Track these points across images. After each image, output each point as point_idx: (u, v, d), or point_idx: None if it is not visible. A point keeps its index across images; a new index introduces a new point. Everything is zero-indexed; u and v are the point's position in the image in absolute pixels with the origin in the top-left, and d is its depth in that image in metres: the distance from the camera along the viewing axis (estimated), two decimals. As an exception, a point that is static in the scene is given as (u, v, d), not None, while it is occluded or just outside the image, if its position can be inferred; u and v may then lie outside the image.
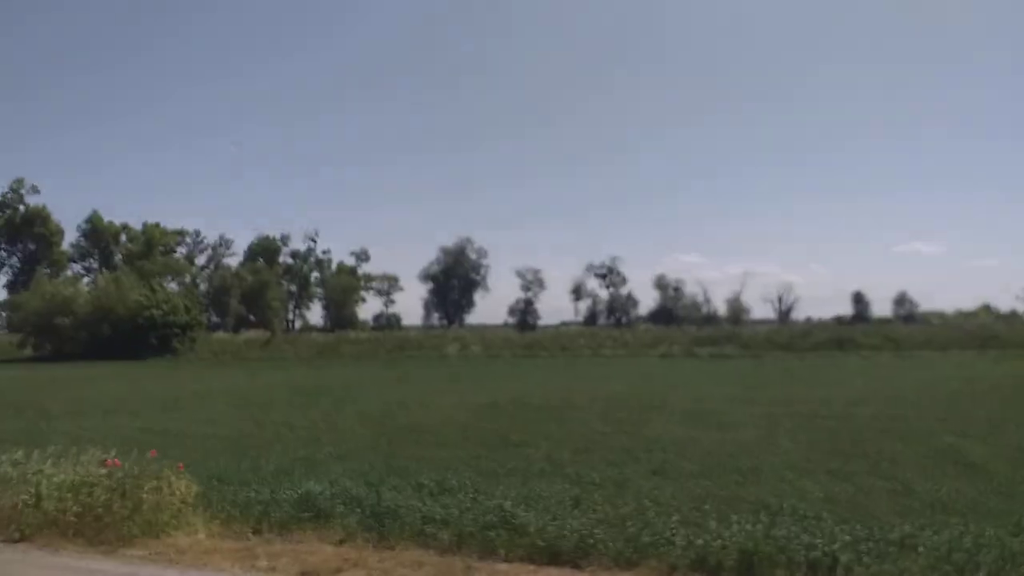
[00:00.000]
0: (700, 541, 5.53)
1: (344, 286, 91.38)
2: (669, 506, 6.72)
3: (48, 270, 73.51)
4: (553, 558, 5.62)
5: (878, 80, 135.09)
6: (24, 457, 7.49)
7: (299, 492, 7.24)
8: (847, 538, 5.48)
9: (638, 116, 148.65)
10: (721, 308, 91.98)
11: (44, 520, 6.55)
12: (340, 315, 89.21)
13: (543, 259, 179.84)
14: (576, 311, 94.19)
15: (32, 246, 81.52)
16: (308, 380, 26.43)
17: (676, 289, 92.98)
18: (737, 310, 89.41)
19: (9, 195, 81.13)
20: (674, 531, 5.81)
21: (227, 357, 45.85)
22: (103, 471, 6.92)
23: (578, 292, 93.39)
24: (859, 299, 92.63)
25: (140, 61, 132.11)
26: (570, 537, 5.76)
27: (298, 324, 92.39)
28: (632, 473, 8.48)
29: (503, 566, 5.53)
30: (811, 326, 57.73)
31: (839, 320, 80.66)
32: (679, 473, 8.52)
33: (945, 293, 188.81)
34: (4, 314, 68.45)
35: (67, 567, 5.78)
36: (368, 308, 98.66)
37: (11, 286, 76.65)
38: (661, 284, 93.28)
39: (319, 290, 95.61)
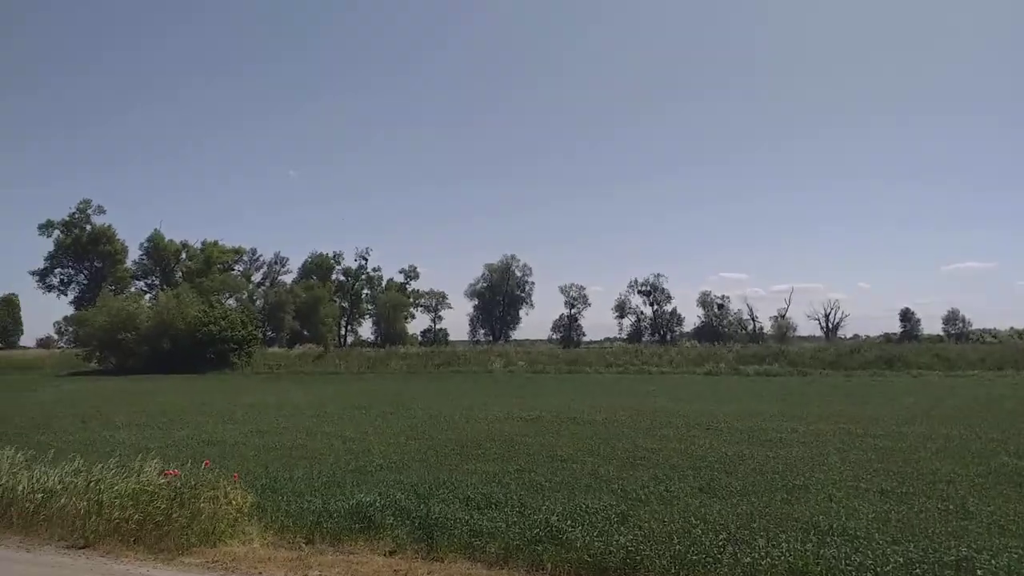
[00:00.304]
0: (748, 559, 5.49)
1: (393, 302, 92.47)
2: (716, 523, 6.67)
3: (113, 287, 76.09)
4: (600, 573, 5.65)
5: (926, 101, 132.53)
6: (88, 466, 7.81)
7: (350, 503, 7.40)
8: (900, 560, 5.38)
9: (682, 136, 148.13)
10: (767, 326, 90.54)
11: (107, 527, 6.78)
12: (390, 331, 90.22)
13: (587, 276, 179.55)
14: (620, 328, 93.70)
15: (98, 264, 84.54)
16: (359, 393, 26.77)
17: (721, 306, 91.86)
18: (783, 327, 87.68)
19: (77, 215, 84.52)
20: (722, 549, 5.77)
21: (281, 371, 46.73)
22: (163, 480, 7.15)
23: (622, 309, 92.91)
24: (907, 317, 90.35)
25: (204, 98, 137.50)
26: (617, 553, 5.77)
27: (350, 339, 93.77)
28: (679, 490, 8.40)
29: (550, 581, 5.55)
30: (859, 344, 56.00)
31: (887, 338, 78.53)
32: (726, 490, 8.41)
33: (996, 311, 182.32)
34: (72, 329, 71.12)
35: (127, 574, 5.96)
36: (417, 324, 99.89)
37: (78, 302, 79.53)
38: (706, 301, 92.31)
39: (370, 306, 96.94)
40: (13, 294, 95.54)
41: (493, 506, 7.43)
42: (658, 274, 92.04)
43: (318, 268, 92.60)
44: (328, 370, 46.50)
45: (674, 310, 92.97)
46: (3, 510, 7.41)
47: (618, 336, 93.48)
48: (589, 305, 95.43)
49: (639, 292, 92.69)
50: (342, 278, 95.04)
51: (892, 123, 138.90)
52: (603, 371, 41.60)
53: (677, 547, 5.84)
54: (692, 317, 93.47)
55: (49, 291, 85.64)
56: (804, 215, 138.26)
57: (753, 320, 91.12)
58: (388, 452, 11.72)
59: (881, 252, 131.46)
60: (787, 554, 5.59)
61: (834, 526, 6.61)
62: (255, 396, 25.47)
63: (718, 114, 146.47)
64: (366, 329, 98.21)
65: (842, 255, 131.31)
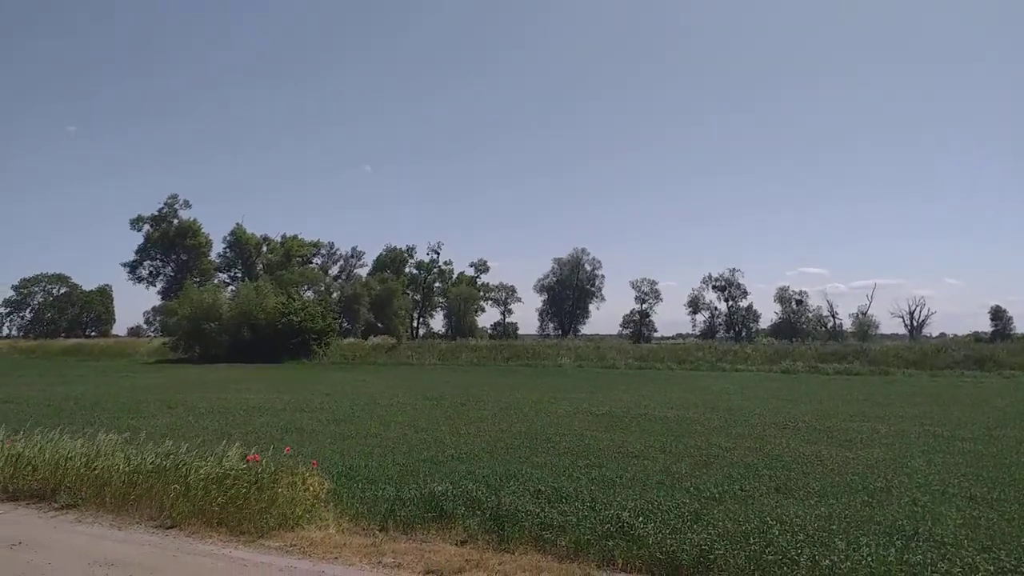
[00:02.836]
0: (827, 562, 5.32)
1: (464, 296, 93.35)
2: (793, 524, 6.49)
3: (197, 279, 79.41)
4: (673, 571, 5.57)
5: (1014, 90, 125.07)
6: (176, 450, 8.17)
7: (423, 492, 7.51)
8: (990, 568, 5.14)
9: (762, 131, 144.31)
10: (847, 323, 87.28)
11: (192, 509, 7.07)
12: (460, 323, 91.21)
13: (659, 271, 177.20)
14: (693, 324, 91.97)
15: (184, 256, 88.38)
16: (430, 384, 27.14)
17: (799, 303, 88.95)
18: (865, 325, 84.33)
19: (165, 210, 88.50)
20: (799, 550, 5.62)
21: (356, 361, 47.83)
22: (244, 465, 7.41)
23: (695, 305, 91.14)
24: (998, 314, 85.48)
25: (282, 97, 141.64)
26: (690, 550, 5.68)
27: (421, 331, 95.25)
28: (754, 489, 8.21)
29: (622, 576, 5.51)
30: (946, 342, 53.37)
31: (977, 337, 74.57)
32: (804, 491, 8.16)
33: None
34: (159, 319, 74.61)
35: (212, 554, 6.19)
36: (487, 317, 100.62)
37: (165, 293, 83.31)
38: (783, 297, 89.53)
39: (441, 300, 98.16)
40: (107, 285, 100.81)
41: (563, 500, 7.42)
42: (734, 269, 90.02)
43: (392, 262, 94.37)
44: (400, 361, 47.32)
45: (750, 306, 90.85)
46: (98, 490, 7.81)
47: (691, 332, 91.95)
48: (661, 300, 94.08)
49: (713, 287, 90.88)
50: (415, 271, 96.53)
51: (989, 113, 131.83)
52: (675, 367, 40.99)
53: (753, 547, 5.71)
54: (769, 313, 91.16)
55: (139, 282, 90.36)
56: (888, 209, 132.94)
57: (833, 317, 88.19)
58: (459, 443, 11.84)
59: (971, 247, 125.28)
60: (868, 558, 5.40)
61: (919, 531, 6.35)
62: (331, 385, 26.12)
63: (798, 110, 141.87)
64: (437, 322, 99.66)
65: (928, 250, 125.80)
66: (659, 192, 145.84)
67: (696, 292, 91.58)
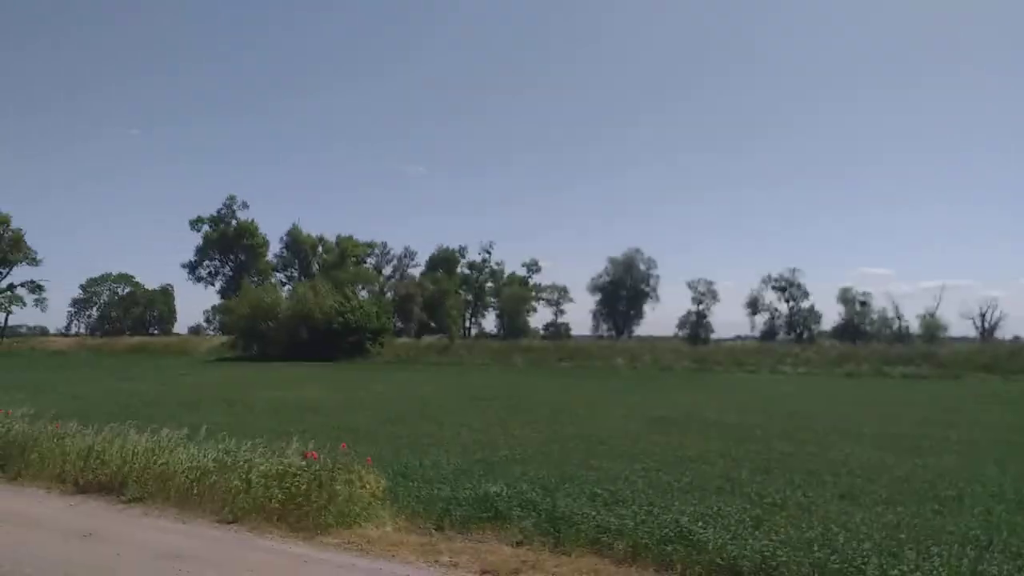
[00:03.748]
0: (895, 572, 5.12)
1: (516, 296, 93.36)
2: (859, 532, 6.27)
3: (255, 279, 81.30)
4: (733, 577, 5.42)
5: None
6: (237, 446, 8.32)
7: (478, 492, 7.49)
8: (1072, 582, 4.84)
9: (827, 130, 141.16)
10: (914, 325, 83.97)
11: (252, 504, 7.19)
12: (513, 323, 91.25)
13: (716, 272, 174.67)
14: (752, 325, 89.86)
15: (242, 256, 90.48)
16: (483, 384, 27.24)
17: (863, 303, 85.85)
18: (932, 327, 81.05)
19: (223, 211, 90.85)
20: (866, 559, 5.41)
21: (410, 360, 48.35)
22: (303, 462, 7.50)
23: (754, 305, 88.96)
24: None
25: (334, 98, 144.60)
26: (752, 557, 5.53)
27: (474, 331, 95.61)
28: (817, 496, 7.96)
29: (681, 581, 5.39)
30: (1020, 345, 51.09)
31: (1054, 339, 71.05)
32: (870, 499, 7.88)
33: None
34: (218, 317, 76.76)
35: (272, 549, 6.29)
36: (539, 318, 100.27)
37: (224, 292, 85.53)
38: (846, 298, 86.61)
39: (493, 299, 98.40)
40: (169, 285, 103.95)
41: (620, 503, 7.30)
42: (794, 269, 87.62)
43: (444, 261, 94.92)
44: (453, 360, 47.65)
45: (811, 307, 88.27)
46: (163, 484, 8.02)
47: (750, 334, 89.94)
48: (718, 301, 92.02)
49: (773, 287, 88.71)
50: (466, 272, 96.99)
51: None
52: (733, 370, 40.32)
53: (817, 555, 5.52)
54: (831, 315, 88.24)
55: (198, 282, 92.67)
56: (957, 206, 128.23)
57: (899, 319, 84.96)
58: (513, 444, 11.82)
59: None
60: (940, 568, 5.17)
61: (994, 541, 6.06)
62: (386, 385, 26.43)
63: (861, 112, 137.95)
64: (490, 322, 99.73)
65: (1001, 249, 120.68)
66: (716, 193, 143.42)
67: (755, 292, 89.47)
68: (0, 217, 76.72)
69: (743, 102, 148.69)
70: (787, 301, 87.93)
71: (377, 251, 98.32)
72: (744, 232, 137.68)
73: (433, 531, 6.71)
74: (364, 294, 72.45)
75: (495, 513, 6.89)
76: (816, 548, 5.70)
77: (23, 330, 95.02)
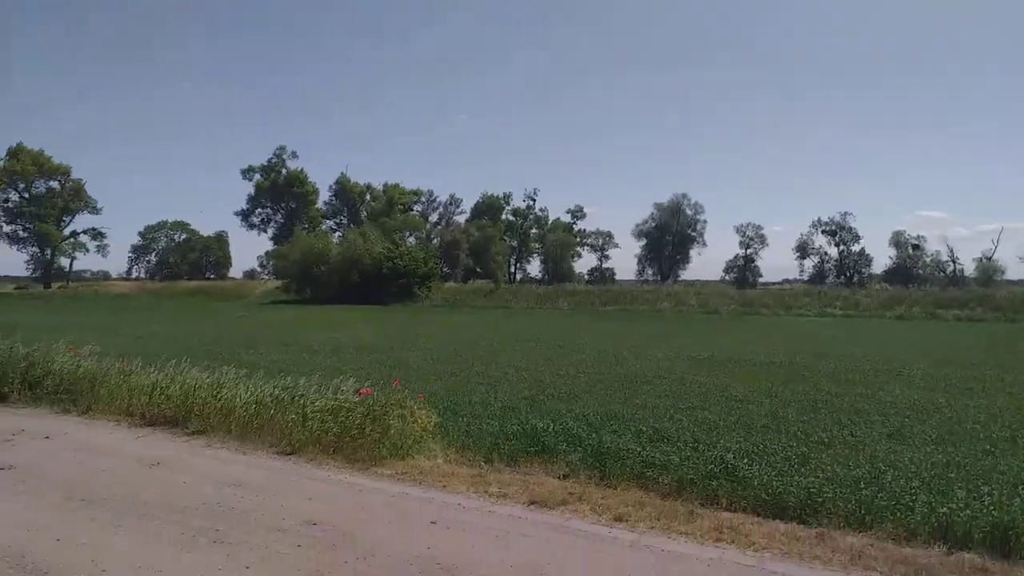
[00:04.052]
0: (944, 509, 5.12)
1: (561, 242, 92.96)
2: (908, 471, 6.27)
3: (305, 226, 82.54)
4: (779, 512, 5.46)
5: None
6: (293, 383, 8.63)
7: (526, 428, 7.67)
8: None
9: (883, 69, 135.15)
10: (969, 268, 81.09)
11: (309, 438, 7.49)
12: (557, 269, 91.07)
13: (765, 216, 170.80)
14: (801, 269, 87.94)
15: (292, 204, 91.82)
16: (529, 327, 27.45)
17: (916, 247, 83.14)
18: (989, 270, 78.10)
19: (274, 160, 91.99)
20: (914, 497, 5.43)
21: (457, 304, 48.90)
22: (357, 399, 7.75)
23: (803, 250, 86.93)
24: None
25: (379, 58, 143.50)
26: (797, 493, 5.58)
27: (519, 276, 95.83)
28: (865, 435, 7.95)
29: (726, 515, 5.47)
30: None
31: (1117, 281, 67.91)
32: (919, 439, 7.83)
33: None
34: (271, 263, 78.49)
35: (328, 479, 6.56)
36: (583, 263, 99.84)
37: (276, 239, 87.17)
38: (899, 241, 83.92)
39: (537, 245, 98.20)
40: (224, 231, 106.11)
41: (665, 440, 7.41)
42: (845, 213, 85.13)
43: (489, 208, 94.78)
44: (499, 304, 48.01)
45: (862, 250, 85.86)
46: (224, 418, 8.39)
47: (798, 278, 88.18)
48: (766, 245, 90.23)
49: (823, 232, 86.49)
50: (511, 218, 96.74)
51: None
52: (781, 313, 39.81)
53: (864, 492, 5.55)
54: (882, 258, 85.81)
55: (251, 229, 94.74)
56: (1017, 146, 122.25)
57: (953, 262, 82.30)
58: (559, 383, 11.99)
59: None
60: (990, 507, 5.15)
61: (1048, 482, 6.00)
62: (434, 327, 26.86)
63: (915, 48, 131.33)
64: (534, 267, 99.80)
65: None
66: (767, 137, 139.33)
67: (804, 237, 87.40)
68: (61, 168, 79.11)
69: (796, 45, 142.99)
70: (837, 245, 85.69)
71: (423, 199, 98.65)
72: (794, 177, 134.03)
73: (483, 463, 6.91)
74: (411, 240, 73.07)
75: (542, 447, 7.05)
76: (863, 486, 5.73)
77: (87, 275, 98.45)
